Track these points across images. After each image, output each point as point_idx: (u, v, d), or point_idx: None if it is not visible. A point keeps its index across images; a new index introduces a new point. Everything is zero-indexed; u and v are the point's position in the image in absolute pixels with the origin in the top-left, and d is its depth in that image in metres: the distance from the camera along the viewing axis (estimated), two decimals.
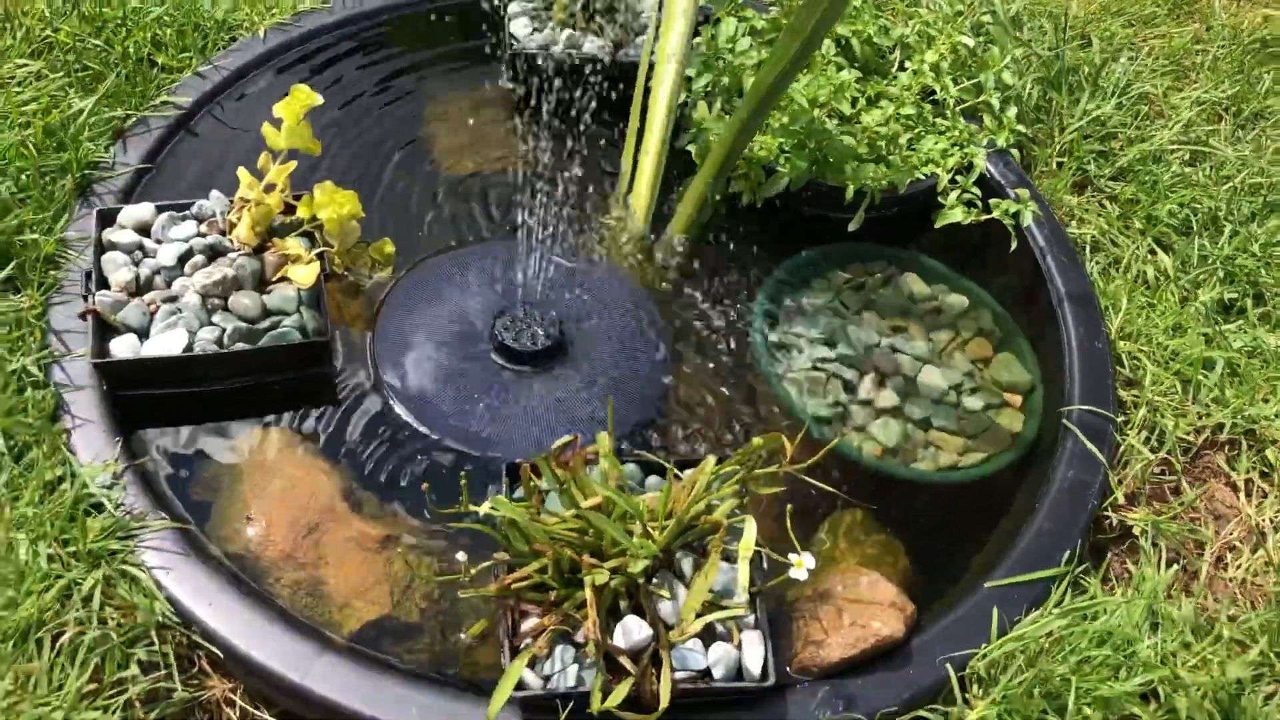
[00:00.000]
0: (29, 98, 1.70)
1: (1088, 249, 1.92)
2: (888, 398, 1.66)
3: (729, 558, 1.33)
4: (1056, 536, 1.48)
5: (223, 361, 1.48)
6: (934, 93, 1.95)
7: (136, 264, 1.54)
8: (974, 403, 1.68)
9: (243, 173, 1.58)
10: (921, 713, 1.31)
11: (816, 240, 1.84)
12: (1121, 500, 1.57)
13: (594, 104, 1.88)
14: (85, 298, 1.50)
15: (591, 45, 1.96)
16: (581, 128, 1.91)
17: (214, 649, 1.27)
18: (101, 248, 1.55)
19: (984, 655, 1.35)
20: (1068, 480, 1.55)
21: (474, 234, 1.78)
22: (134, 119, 1.77)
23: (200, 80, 1.85)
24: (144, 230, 1.59)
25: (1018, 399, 1.71)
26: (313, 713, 1.24)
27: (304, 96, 1.55)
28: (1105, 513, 1.57)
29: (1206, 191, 2.04)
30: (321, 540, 1.39)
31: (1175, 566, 1.50)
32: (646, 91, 1.79)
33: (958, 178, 1.85)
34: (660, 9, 1.81)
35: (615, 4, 1.98)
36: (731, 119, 1.62)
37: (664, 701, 1.20)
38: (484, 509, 1.27)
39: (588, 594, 1.26)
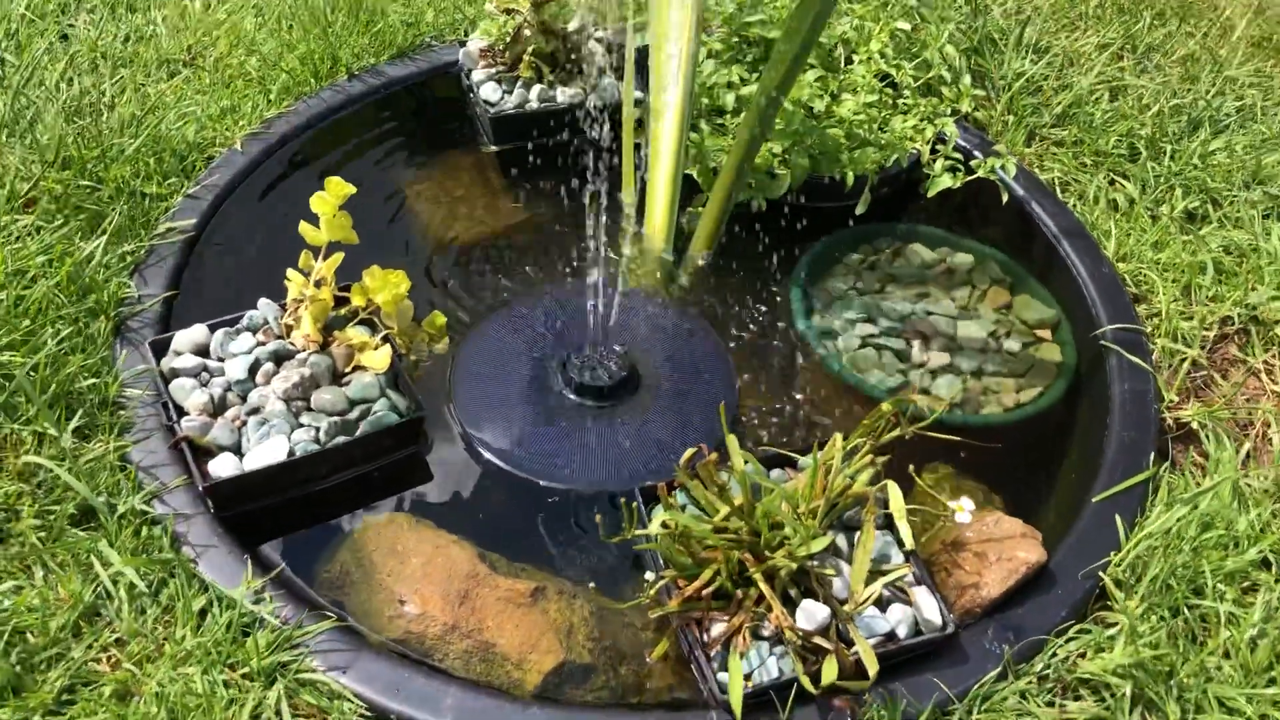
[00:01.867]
0: (38, 249, 1.66)
1: (1058, 189, 2.07)
2: (938, 357, 1.76)
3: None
4: (1136, 443, 1.60)
5: (327, 459, 1.47)
6: (887, 77, 2.08)
7: (205, 385, 1.53)
8: (1013, 345, 1.80)
9: (293, 274, 1.58)
10: (1085, 625, 1.39)
11: (821, 231, 1.93)
12: (1174, 400, 1.70)
13: (582, 148, 1.94)
14: (171, 428, 1.47)
15: (564, 96, 2.03)
16: (575, 173, 1.96)
17: None
18: (165, 377, 1.53)
19: (1119, 562, 1.45)
20: (1126, 392, 1.67)
21: (509, 292, 1.82)
22: (144, 249, 1.75)
23: (195, 201, 1.84)
24: (202, 351, 1.57)
25: (1048, 333, 1.83)
26: None
27: (338, 188, 1.56)
28: (1162, 414, 1.69)
29: (1137, 120, 2.22)
30: (476, 606, 1.39)
31: (1246, 446, 1.62)
32: (636, 125, 1.87)
33: (938, 147, 1.97)
34: (632, 48, 1.89)
35: (577, 54, 2.05)
36: (740, 130, 1.70)
37: (873, 668, 1.24)
38: (653, 527, 1.30)
39: (763, 588, 1.30)
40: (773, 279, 1.86)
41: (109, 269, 1.69)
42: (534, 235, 1.92)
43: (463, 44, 2.14)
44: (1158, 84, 2.32)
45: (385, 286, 1.59)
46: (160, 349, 1.56)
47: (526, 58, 2.00)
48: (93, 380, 1.53)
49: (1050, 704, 1.33)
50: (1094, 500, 1.52)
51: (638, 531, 1.32)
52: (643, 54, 1.88)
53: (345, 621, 1.35)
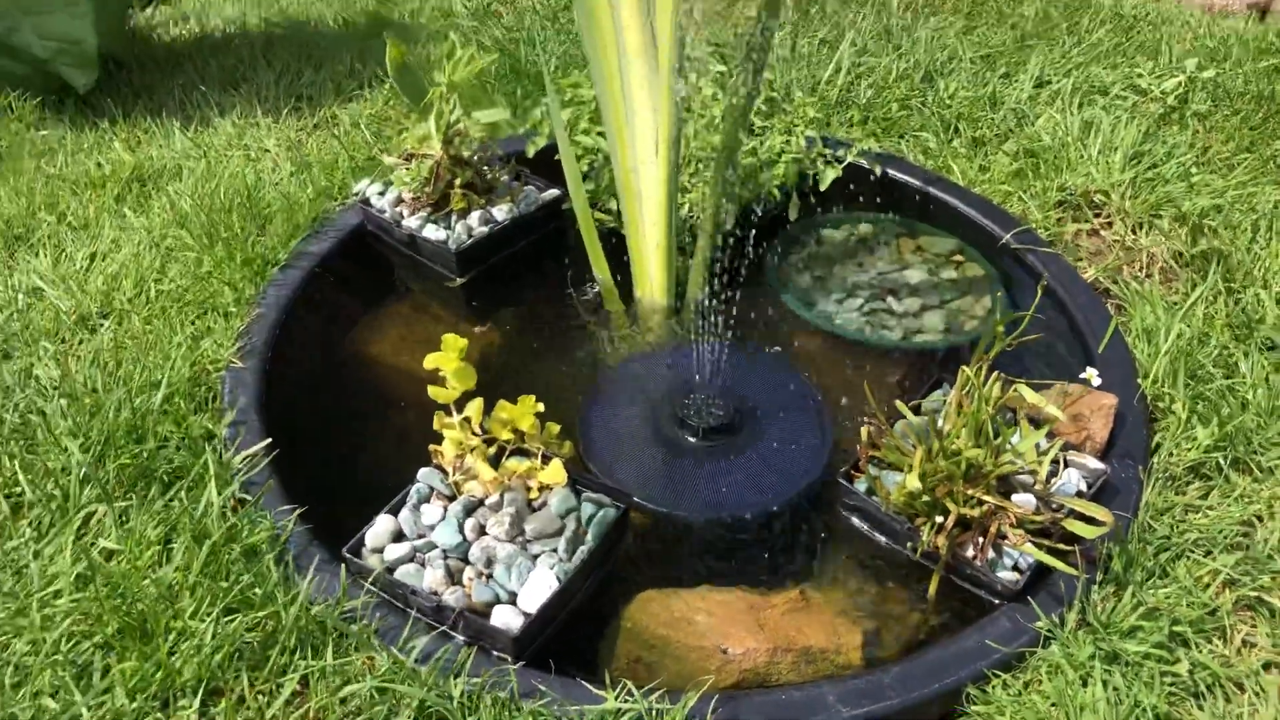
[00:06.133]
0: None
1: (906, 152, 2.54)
2: (910, 303, 2.14)
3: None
4: (1091, 303, 2.06)
5: (582, 571, 1.57)
6: None
7: (424, 564, 1.57)
8: (949, 273, 2.22)
9: (448, 432, 1.65)
10: (1158, 437, 1.81)
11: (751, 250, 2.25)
12: (1082, 267, 2.20)
13: (541, 252, 2.11)
14: (437, 611, 1.50)
15: (502, 213, 2.18)
16: (543, 273, 2.13)
17: None
18: (388, 571, 1.55)
19: (1151, 382, 1.89)
20: (1057, 272, 2.13)
21: (571, 390, 1.96)
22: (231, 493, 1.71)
23: (240, 425, 1.80)
24: (397, 537, 1.60)
25: (960, 257, 2.27)
26: None
27: (454, 343, 1.65)
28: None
29: (895, 89, 2.74)
30: (775, 627, 1.57)
31: (1155, 278, 2.15)
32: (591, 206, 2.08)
33: (813, 149, 2.36)
34: (565, 145, 2.09)
35: (489, 176, 2.21)
36: (711, 185, 1.96)
37: (1106, 515, 1.58)
38: (910, 483, 1.56)
39: (991, 500, 1.61)
40: (757, 295, 2.15)
41: (251, 530, 1.63)
42: (556, 338, 2.07)
43: (365, 203, 2.22)
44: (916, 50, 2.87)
45: (525, 411, 1.69)
46: (354, 557, 1.58)
47: (456, 191, 2.13)
48: (321, 605, 1.51)
49: (1180, 492, 1.74)
50: (1099, 352, 1.96)
51: (896, 495, 1.57)
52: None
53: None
